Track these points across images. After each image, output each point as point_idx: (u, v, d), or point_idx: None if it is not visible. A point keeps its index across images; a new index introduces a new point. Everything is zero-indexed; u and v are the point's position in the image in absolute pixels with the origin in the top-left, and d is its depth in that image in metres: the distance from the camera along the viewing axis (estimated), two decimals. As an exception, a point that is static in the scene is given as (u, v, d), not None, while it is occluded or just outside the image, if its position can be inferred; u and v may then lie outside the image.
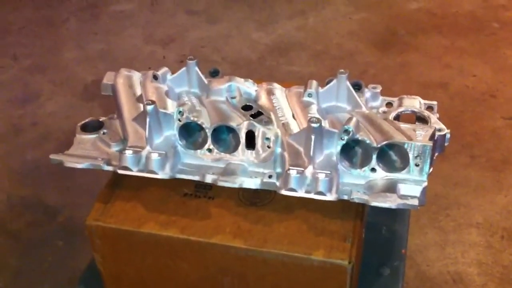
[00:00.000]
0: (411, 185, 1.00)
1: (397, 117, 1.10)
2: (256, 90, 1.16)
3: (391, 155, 1.03)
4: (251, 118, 1.07)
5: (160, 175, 1.04)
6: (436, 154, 1.06)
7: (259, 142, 1.05)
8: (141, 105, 1.11)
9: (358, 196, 0.98)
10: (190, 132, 1.09)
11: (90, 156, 1.08)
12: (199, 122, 1.05)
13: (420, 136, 1.00)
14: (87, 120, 1.15)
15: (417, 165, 1.00)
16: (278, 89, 1.16)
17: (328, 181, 0.98)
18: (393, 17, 2.87)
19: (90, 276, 1.20)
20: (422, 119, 1.10)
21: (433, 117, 1.09)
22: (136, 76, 1.20)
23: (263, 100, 1.13)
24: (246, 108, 1.12)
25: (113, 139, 1.11)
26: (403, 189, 0.99)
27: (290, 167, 0.99)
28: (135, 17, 2.98)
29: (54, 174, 2.03)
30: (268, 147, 1.05)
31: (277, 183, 1.01)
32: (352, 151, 1.05)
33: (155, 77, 1.17)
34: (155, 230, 1.01)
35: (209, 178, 1.03)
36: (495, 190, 1.96)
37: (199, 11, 3.00)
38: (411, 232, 1.35)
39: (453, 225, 1.85)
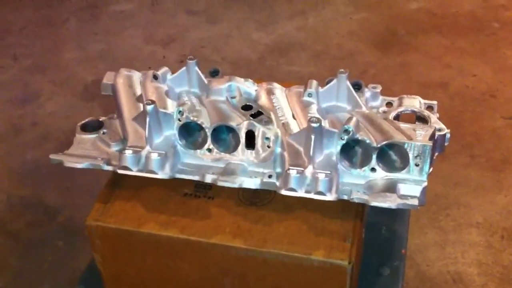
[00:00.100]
0: (411, 185, 1.00)
1: (397, 117, 1.10)
2: (256, 90, 1.16)
3: (391, 155, 1.03)
4: (251, 118, 1.07)
5: (160, 175, 1.04)
6: (436, 154, 1.06)
7: (259, 142, 1.05)
8: (141, 105, 1.11)
9: (358, 196, 0.98)
10: (190, 132, 1.09)
11: (90, 156, 1.08)
12: (199, 122, 1.05)
13: (420, 136, 1.00)
14: (87, 120, 1.15)
15: (417, 165, 1.00)
16: (278, 89, 1.16)
17: (328, 181, 0.98)
18: (393, 17, 2.87)
19: (90, 276, 1.20)
20: (422, 119, 1.10)
21: (433, 117, 1.09)
22: (136, 76, 1.20)
23: (263, 100, 1.13)
24: (246, 108, 1.12)
25: (113, 139, 1.11)
26: (403, 189, 0.99)
27: (290, 167, 0.99)
28: (135, 17, 2.98)
29: (54, 174, 2.03)
30: (268, 147, 1.05)
31: (277, 183, 1.01)
32: (352, 151, 1.05)
33: (155, 77, 1.17)
34: (155, 230, 1.01)
35: (209, 178, 1.03)
36: (495, 190, 1.96)
37: (199, 11, 3.00)
38: (411, 232, 1.35)
39: (453, 225, 1.85)
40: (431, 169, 1.02)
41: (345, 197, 0.99)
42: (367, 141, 1.00)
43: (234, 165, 1.05)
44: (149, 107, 1.03)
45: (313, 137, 0.99)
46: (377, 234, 1.27)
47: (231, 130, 1.06)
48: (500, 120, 2.24)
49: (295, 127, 1.06)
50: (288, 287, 1.02)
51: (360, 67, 2.54)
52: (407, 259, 1.29)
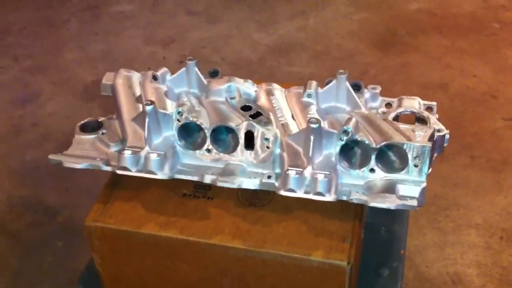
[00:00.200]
0: (410, 185, 1.00)
1: (397, 118, 1.10)
2: (255, 91, 1.16)
3: (390, 156, 1.03)
4: (250, 118, 1.07)
5: (159, 176, 1.04)
6: (435, 154, 1.06)
7: (258, 142, 1.05)
8: (140, 106, 1.11)
9: (357, 197, 0.98)
10: (189, 133, 1.09)
11: (89, 156, 1.08)
12: (198, 123, 1.06)
13: (419, 136, 1.00)
14: (86, 120, 1.15)
15: (416, 165, 1.00)
16: (277, 89, 1.16)
17: (327, 181, 0.98)
18: (393, 18, 2.87)
19: (89, 277, 1.20)
20: (421, 120, 1.10)
21: (433, 118, 1.09)
22: (136, 76, 1.20)
23: (263, 101, 1.13)
24: (246, 108, 1.12)
25: (112, 140, 1.11)
26: (402, 189, 0.99)
27: (289, 168, 0.99)
28: (136, 17, 2.98)
29: (53, 174, 2.03)
30: (267, 147, 1.05)
31: (276, 184, 1.01)
32: (351, 152, 1.05)
33: (155, 78, 1.17)
34: (154, 230, 1.01)
35: (208, 179, 1.03)
36: (495, 191, 1.96)
37: (199, 11, 3.00)
38: (410, 232, 1.35)
39: (452, 226, 1.85)
40: (430, 170, 1.02)
41: (344, 198, 0.99)
42: (366, 142, 1.00)
43: (233, 165, 1.06)
44: (149, 108, 1.03)
45: (312, 137, 0.99)
46: (376, 234, 1.27)
47: (231, 130, 1.07)
48: (500, 121, 2.24)
49: (294, 128, 1.06)
50: (287, 287, 1.02)
51: (360, 67, 2.54)
52: (406, 260, 1.29)
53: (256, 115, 1.09)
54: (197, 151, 1.08)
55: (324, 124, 1.04)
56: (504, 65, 2.54)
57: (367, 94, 1.15)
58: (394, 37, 2.74)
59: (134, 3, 3.07)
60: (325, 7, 2.98)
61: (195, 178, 1.04)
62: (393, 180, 1.01)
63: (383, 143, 0.99)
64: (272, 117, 1.09)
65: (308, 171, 0.99)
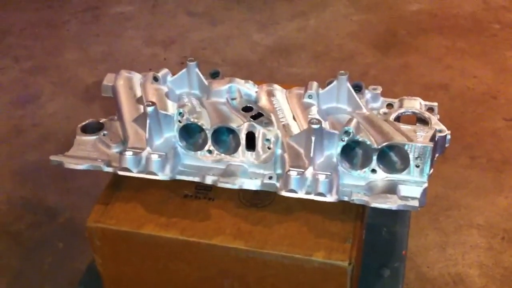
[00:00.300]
0: (412, 186, 1.00)
1: (398, 118, 1.10)
2: (256, 92, 1.16)
3: (392, 156, 1.03)
4: (251, 119, 1.07)
5: (160, 177, 1.04)
6: (437, 155, 1.06)
7: (259, 143, 1.05)
8: (141, 107, 1.11)
9: (358, 197, 0.98)
10: (190, 134, 1.09)
11: (90, 157, 1.08)
12: (199, 124, 1.05)
13: (421, 137, 1.00)
14: (87, 121, 1.15)
15: (417, 166, 1.00)
16: (278, 90, 1.16)
17: (328, 182, 0.97)
18: (393, 18, 2.87)
19: (90, 278, 1.20)
20: (422, 120, 1.10)
21: (434, 118, 1.09)
22: (137, 77, 1.20)
23: (264, 102, 1.13)
24: (247, 109, 1.12)
25: (113, 141, 1.11)
26: (403, 190, 0.99)
27: (291, 168, 0.99)
28: (136, 18, 2.98)
29: (54, 175, 2.03)
30: (269, 148, 1.05)
31: (277, 184, 1.01)
32: (353, 152, 1.05)
33: (156, 79, 1.17)
34: (155, 231, 1.01)
35: (209, 179, 1.03)
36: (496, 192, 1.96)
37: (200, 12, 3.00)
38: (412, 233, 1.35)
39: (453, 226, 1.85)
40: (431, 170, 1.02)
41: (346, 198, 0.99)
42: (368, 143, 1.00)
43: (234, 166, 1.05)
44: (150, 109, 1.03)
45: (313, 138, 0.99)
46: (377, 235, 1.27)
47: (232, 131, 1.07)
48: (500, 121, 2.24)
49: (295, 129, 1.06)
50: (289, 288, 1.02)
51: (361, 68, 2.54)
52: (408, 261, 1.29)
53: (257, 116, 1.09)
54: (198, 152, 1.07)
55: (325, 125, 1.04)
56: (505, 66, 2.54)
57: (368, 94, 1.15)
58: (394, 37, 2.74)
59: (134, 4, 3.07)
60: (325, 8, 2.98)
61: (196, 179, 1.04)
62: (394, 181, 1.01)
63: (385, 144, 0.99)
64: (273, 118, 1.09)
65: (309, 172, 0.99)
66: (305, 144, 1.02)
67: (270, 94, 1.15)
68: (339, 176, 1.01)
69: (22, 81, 2.57)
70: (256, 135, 1.05)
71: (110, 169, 1.06)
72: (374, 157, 1.00)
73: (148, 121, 1.04)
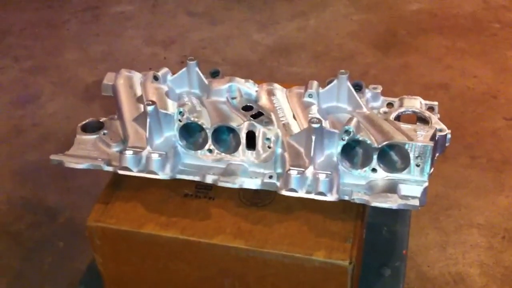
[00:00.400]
0: (412, 185, 0.99)
1: (398, 118, 1.10)
2: (256, 91, 1.16)
3: (392, 156, 1.03)
4: (251, 118, 1.07)
5: (161, 176, 1.03)
6: (437, 154, 1.06)
7: (259, 142, 1.05)
8: (142, 106, 1.11)
9: (358, 197, 0.98)
10: (190, 133, 1.09)
11: (90, 156, 1.08)
12: (199, 123, 1.05)
13: (421, 136, 0.99)
14: (87, 120, 1.15)
15: (418, 165, 0.99)
16: (278, 89, 1.16)
17: (329, 181, 0.97)
18: (393, 18, 2.87)
19: (91, 277, 1.20)
20: (423, 120, 1.10)
21: (434, 118, 1.09)
22: (137, 76, 1.20)
23: (264, 101, 1.13)
24: (247, 108, 1.12)
25: (114, 140, 1.11)
26: (404, 189, 0.99)
27: (291, 168, 0.99)
28: (136, 18, 2.98)
29: (54, 174, 2.03)
30: (269, 147, 1.05)
31: (278, 184, 1.01)
32: (353, 152, 1.05)
33: (156, 78, 1.17)
34: (155, 230, 1.01)
35: (209, 179, 1.03)
36: (496, 191, 1.96)
37: (200, 12, 3.00)
38: (412, 232, 1.35)
39: (454, 225, 1.85)
40: (432, 170, 1.02)
41: (346, 198, 0.99)
42: (368, 142, 1.00)
43: (234, 165, 1.05)
44: (150, 108, 1.03)
45: (313, 137, 0.99)
46: (378, 234, 1.26)
47: (232, 130, 1.06)
48: (501, 121, 2.24)
49: (295, 128, 1.06)
50: (289, 287, 1.02)
51: (361, 67, 2.54)
52: (408, 260, 1.29)
53: (257, 115, 1.09)
54: (199, 151, 1.07)
55: (326, 124, 1.04)
56: (505, 66, 2.54)
57: (368, 94, 1.15)
58: (394, 37, 2.74)
59: (134, 4, 3.07)
60: (325, 7, 2.98)
61: (196, 178, 1.04)
62: (394, 180, 1.01)
63: (385, 143, 0.99)
64: (273, 117, 1.09)
65: (309, 171, 0.99)
66: (305, 143, 1.01)
67: (270, 93, 1.15)
68: (340, 175, 1.01)
69: (22, 81, 2.57)
70: (256, 134, 1.05)
71: (110, 168, 1.06)
72: (375, 156, 1.00)
73: (148, 120, 1.03)
